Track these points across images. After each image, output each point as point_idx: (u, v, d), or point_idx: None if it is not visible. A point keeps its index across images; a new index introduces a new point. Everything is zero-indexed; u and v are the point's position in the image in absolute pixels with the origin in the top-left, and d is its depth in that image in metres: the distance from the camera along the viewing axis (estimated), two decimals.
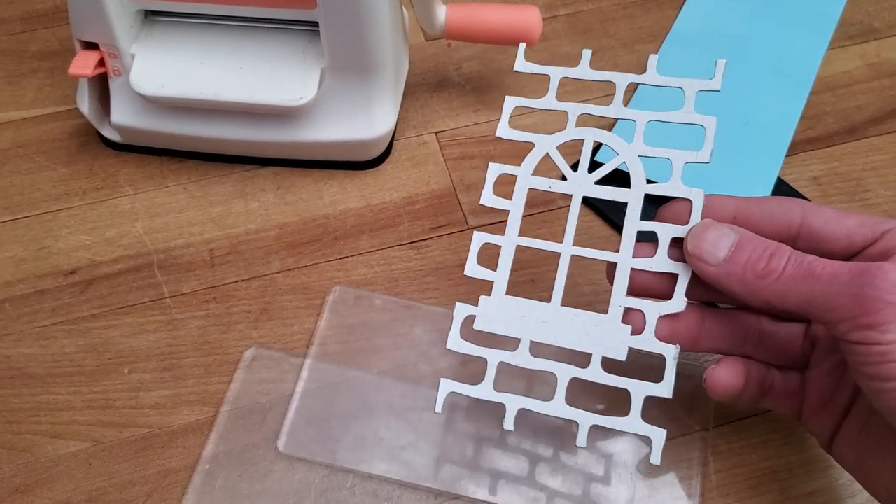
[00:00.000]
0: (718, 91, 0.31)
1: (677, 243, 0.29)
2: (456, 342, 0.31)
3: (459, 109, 0.44)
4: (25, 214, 0.40)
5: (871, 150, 0.42)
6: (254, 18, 0.38)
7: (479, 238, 0.32)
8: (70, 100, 0.43)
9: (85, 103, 0.40)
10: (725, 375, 0.29)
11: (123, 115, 0.39)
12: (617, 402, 0.30)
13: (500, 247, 0.31)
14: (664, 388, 0.29)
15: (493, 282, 0.31)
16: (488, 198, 0.32)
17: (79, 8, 0.36)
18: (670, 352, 0.29)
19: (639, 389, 0.29)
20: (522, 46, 0.33)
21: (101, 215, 0.40)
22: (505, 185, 0.42)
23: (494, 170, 0.32)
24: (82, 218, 0.40)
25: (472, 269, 0.31)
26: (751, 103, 0.43)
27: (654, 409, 0.33)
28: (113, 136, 0.41)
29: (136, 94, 0.38)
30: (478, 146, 0.42)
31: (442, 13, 0.40)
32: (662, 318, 0.29)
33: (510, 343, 0.30)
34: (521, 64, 0.33)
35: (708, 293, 0.29)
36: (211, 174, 0.41)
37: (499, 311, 0.31)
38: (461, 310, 0.31)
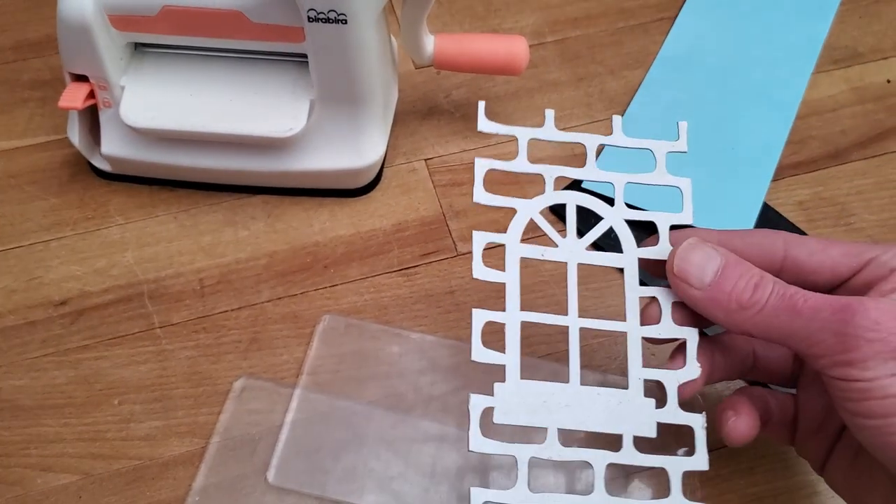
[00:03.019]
0: (685, 152, 0.31)
1: (679, 306, 0.29)
2: (479, 442, 0.27)
3: (449, 136, 0.44)
4: (16, 245, 0.40)
5: (855, 174, 0.42)
6: (243, 51, 0.38)
7: (479, 317, 0.28)
8: (61, 129, 0.43)
9: (75, 134, 0.40)
10: (744, 428, 0.29)
11: (114, 145, 0.40)
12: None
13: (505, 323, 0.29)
14: (699, 461, 0.28)
15: (504, 365, 0.28)
16: (480, 271, 0.29)
17: (68, 41, 0.37)
18: (698, 422, 0.28)
19: (675, 466, 0.28)
20: (482, 105, 0.31)
21: (92, 245, 0.40)
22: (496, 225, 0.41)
23: (480, 239, 0.30)
24: (73, 248, 0.40)
25: (479, 353, 0.28)
26: (736, 128, 0.43)
27: (641, 438, 0.34)
28: (103, 165, 0.41)
29: (126, 125, 0.38)
30: (467, 173, 0.42)
31: (430, 44, 0.40)
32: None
33: (535, 431, 0.28)
34: (484, 124, 0.31)
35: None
36: (201, 203, 0.41)
37: (517, 398, 0.28)
38: (477, 403, 0.28)
